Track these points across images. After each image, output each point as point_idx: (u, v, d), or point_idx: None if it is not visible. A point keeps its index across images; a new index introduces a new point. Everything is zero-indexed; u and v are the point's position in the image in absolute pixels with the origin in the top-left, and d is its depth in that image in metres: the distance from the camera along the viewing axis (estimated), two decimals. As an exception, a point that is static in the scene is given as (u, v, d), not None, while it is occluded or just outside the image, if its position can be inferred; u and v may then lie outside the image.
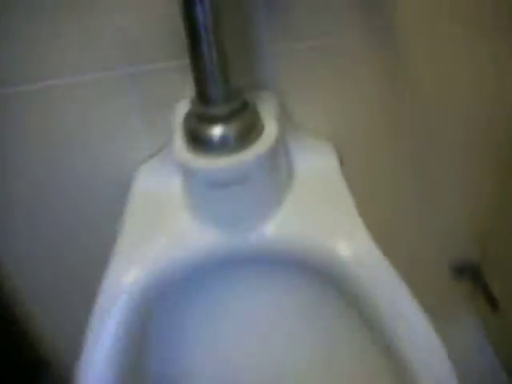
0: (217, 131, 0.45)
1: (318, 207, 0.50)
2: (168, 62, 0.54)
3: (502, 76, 0.60)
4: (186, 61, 0.45)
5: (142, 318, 0.48)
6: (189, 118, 0.48)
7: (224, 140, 0.45)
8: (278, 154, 0.50)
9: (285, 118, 0.55)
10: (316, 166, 0.55)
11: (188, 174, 0.48)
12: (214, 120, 0.45)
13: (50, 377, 0.85)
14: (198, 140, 0.46)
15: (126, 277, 0.48)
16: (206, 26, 0.41)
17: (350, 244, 0.46)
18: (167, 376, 0.57)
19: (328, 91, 0.59)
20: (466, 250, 0.78)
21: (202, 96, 0.45)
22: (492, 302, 0.76)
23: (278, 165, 0.50)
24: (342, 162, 0.57)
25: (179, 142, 0.48)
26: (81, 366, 0.44)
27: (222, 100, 0.45)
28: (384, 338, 0.44)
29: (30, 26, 0.51)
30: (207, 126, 0.46)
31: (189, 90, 0.47)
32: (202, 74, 0.44)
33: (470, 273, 0.79)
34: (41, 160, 0.60)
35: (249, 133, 0.46)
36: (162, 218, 0.52)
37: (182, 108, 0.52)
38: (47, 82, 0.55)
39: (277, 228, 0.49)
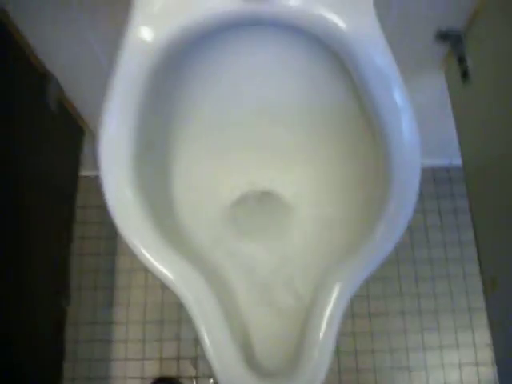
0: None
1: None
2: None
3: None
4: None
5: (161, 74, 0.55)
6: None
7: None
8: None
9: None
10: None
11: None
12: None
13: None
14: None
15: (148, 36, 0.53)
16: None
17: (356, 23, 0.54)
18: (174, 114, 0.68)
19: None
20: (456, 21, 0.80)
21: None
22: (464, 73, 0.81)
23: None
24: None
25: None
26: (102, 123, 0.53)
27: None
28: (364, 97, 0.56)
29: None
30: None
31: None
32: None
33: (452, 40, 0.81)
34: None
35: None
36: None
37: None
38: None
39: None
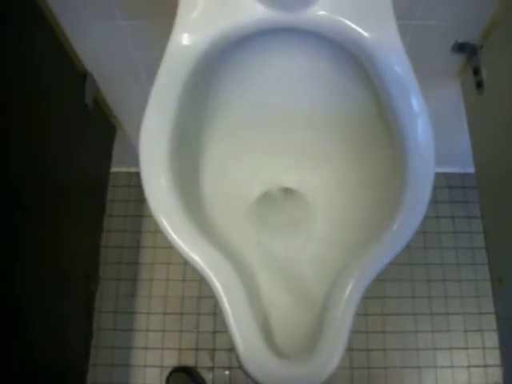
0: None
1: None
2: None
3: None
4: None
5: (200, 78, 0.62)
6: None
7: None
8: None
9: None
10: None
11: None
12: None
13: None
14: None
15: (189, 41, 0.59)
16: None
17: (378, 32, 0.59)
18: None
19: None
20: (472, 33, 0.84)
21: None
22: (478, 84, 0.84)
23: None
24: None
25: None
26: (144, 118, 0.58)
27: None
28: (383, 102, 0.60)
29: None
30: None
31: None
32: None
33: (468, 51, 0.85)
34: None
35: None
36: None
37: None
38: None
39: (323, 8, 0.60)
